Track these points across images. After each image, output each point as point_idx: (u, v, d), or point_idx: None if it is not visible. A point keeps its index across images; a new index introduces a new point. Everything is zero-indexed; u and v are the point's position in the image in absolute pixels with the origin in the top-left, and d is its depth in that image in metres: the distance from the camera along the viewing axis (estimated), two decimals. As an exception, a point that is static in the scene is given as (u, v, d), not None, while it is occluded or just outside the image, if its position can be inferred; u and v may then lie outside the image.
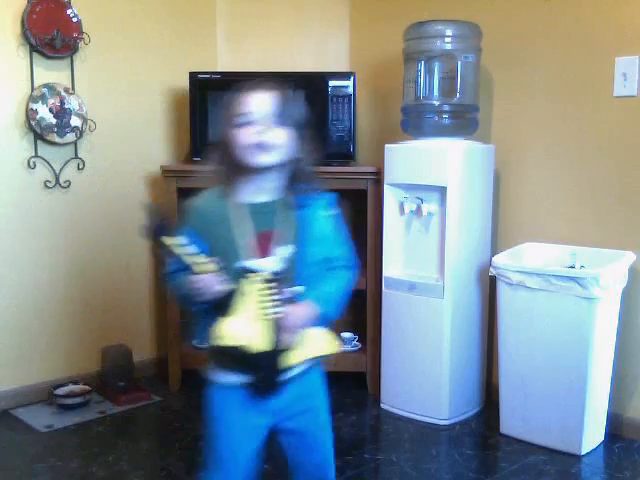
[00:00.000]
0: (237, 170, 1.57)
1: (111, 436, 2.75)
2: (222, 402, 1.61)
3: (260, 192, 1.58)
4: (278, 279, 1.50)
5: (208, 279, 1.47)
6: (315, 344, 1.55)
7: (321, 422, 1.69)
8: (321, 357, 1.59)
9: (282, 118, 1.55)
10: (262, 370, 1.52)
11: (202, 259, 1.46)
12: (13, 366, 3.00)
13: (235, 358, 1.51)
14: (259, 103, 1.56)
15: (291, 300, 1.52)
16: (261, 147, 1.53)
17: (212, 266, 1.47)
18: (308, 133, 1.59)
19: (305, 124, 1.59)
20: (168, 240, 1.44)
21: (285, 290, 1.51)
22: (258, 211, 1.56)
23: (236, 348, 1.48)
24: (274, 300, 1.50)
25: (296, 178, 1.59)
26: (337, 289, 1.61)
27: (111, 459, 2.53)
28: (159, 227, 1.45)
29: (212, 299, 1.50)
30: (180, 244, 1.45)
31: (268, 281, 1.50)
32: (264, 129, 1.53)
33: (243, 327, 1.49)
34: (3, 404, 2.96)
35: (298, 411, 1.63)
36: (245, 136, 1.54)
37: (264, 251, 1.53)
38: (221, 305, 1.49)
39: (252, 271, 1.50)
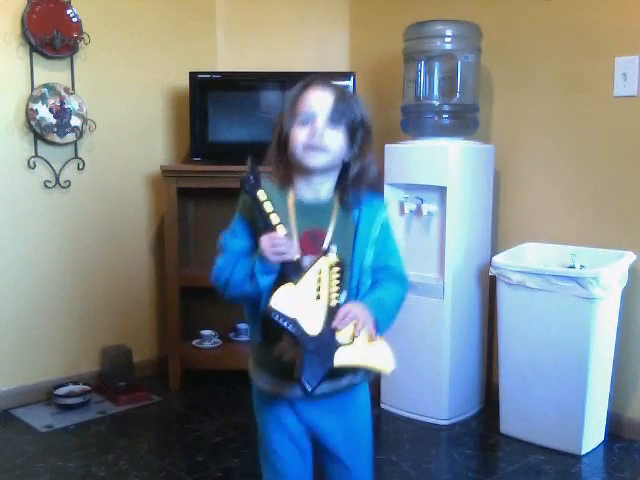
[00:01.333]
0: (292, 167, 1.53)
1: (111, 436, 2.75)
2: (264, 406, 1.59)
3: (314, 190, 1.53)
4: (342, 268, 1.43)
5: (287, 239, 1.42)
6: (369, 353, 1.44)
7: (365, 453, 1.62)
8: (371, 371, 1.49)
9: (340, 118, 1.50)
10: (306, 356, 1.39)
11: (280, 220, 1.43)
12: (13, 366, 3.00)
13: (279, 339, 1.42)
14: (318, 102, 1.50)
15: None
16: (315, 148, 1.48)
17: (285, 230, 1.43)
18: (368, 133, 1.53)
19: (365, 124, 1.53)
20: (262, 196, 1.44)
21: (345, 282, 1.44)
22: (308, 208, 1.52)
23: (285, 321, 1.37)
24: (337, 285, 1.42)
25: (354, 179, 1.52)
26: (393, 301, 1.53)
27: (111, 459, 2.53)
28: (257, 183, 1.45)
29: (281, 263, 1.42)
30: (267, 199, 1.44)
31: (333, 266, 1.43)
32: (320, 129, 1.48)
33: (299, 300, 1.40)
34: (3, 404, 2.96)
35: (342, 434, 1.57)
36: (300, 135, 1.49)
37: (307, 249, 1.47)
38: (284, 277, 1.42)
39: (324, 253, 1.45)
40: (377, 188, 1.59)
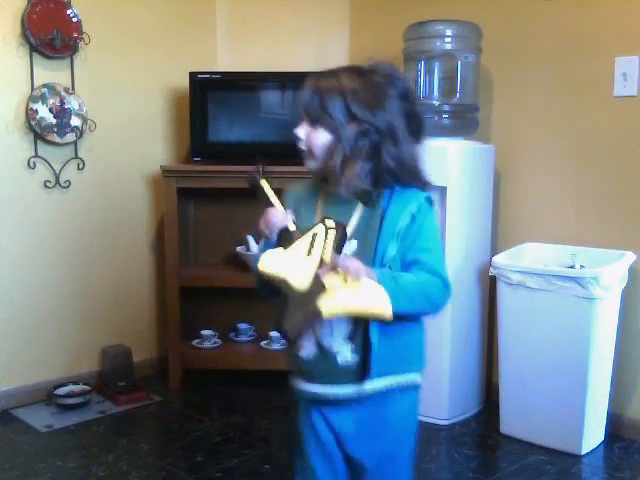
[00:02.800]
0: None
1: (111, 436, 2.75)
2: (302, 416, 1.54)
3: (341, 183, 1.42)
4: (341, 231, 1.39)
5: (279, 213, 1.44)
6: (362, 297, 1.32)
7: (397, 476, 1.51)
8: (369, 315, 1.35)
9: (318, 115, 1.41)
10: (295, 309, 1.38)
11: (281, 203, 1.47)
12: (13, 366, 3.00)
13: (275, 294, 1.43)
14: (300, 100, 1.46)
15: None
16: (303, 151, 1.45)
17: (287, 212, 1.47)
18: (361, 125, 1.39)
19: (355, 116, 1.38)
20: (265, 184, 1.48)
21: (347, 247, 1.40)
22: (336, 201, 1.45)
23: (275, 278, 1.38)
24: (329, 244, 1.38)
25: (383, 172, 1.40)
26: (413, 284, 1.37)
27: (111, 459, 2.53)
28: (261, 172, 1.50)
29: (277, 234, 1.44)
30: (270, 186, 1.49)
31: (330, 228, 1.40)
32: (296, 132, 1.44)
33: (289, 259, 1.39)
34: (3, 404, 2.96)
35: (369, 448, 1.48)
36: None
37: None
38: (282, 244, 1.44)
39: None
40: (419, 179, 1.47)
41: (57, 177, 3.05)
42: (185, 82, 3.20)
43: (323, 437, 1.50)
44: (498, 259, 2.66)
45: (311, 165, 1.46)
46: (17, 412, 2.94)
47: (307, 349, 1.43)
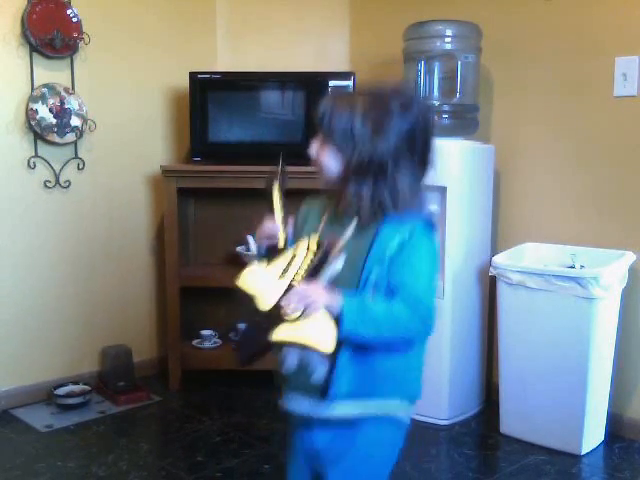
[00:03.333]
0: None
1: (111, 436, 2.75)
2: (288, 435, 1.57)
3: (340, 203, 1.44)
4: (324, 251, 1.38)
5: (273, 226, 1.45)
6: (307, 331, 1.33)
7: None
8: (306, 347, 1.35)
9: (328, 132, 1.39)
10: (254, 331, 1.40)
11: (284, 213, 1.48)
12: (13, 366, 3.00)
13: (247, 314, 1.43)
14: (319, 109, 1.42)
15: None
16: (314, 165, 1.44)
17: (285, 223, 1.48)
18: (360, 149, 1.37)
19: (355, 137, 1.37)
20: (275, 191, 1.49)
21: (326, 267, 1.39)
22: (335, 219, 1.46)
23: (244, 295, 1.39)
24: (305, 268, 1.38)
25: (378, 199, 1.38)
26: (382, 313, 1.34)
27: (111, 459, 2.53)
28: (277, 180, 1.50)
29: (267, 247, 1.46)
30: (280, 195, 1.49)
31: (315, 246, 1.40)
32: (311, 149, 1.43)
33: (264, 280, 1.40)
34: (3, 404, 2.96)
35: (335, 471, 1.47)
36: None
37: None
38: (268, 259, 1.45)
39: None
40: (415, 211, 1.41)
41: (57, 177, 3.05)
42: (185, 82, 3.19)
43: (300, 454, 1.53)
44: (498, 259, 2.66)
45: (320, 182, 1.46)
46: (17, 412, 2.94)
47: (288, 363, 1.41)
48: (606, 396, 2.62)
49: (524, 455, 2.56)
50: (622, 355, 2.64)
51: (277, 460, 2.52)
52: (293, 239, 1.49)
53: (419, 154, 1.40)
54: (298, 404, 1.48)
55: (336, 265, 1.38)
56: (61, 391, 3.00)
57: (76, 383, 3.08)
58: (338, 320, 1.32)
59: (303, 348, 1.35)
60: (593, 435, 2.59)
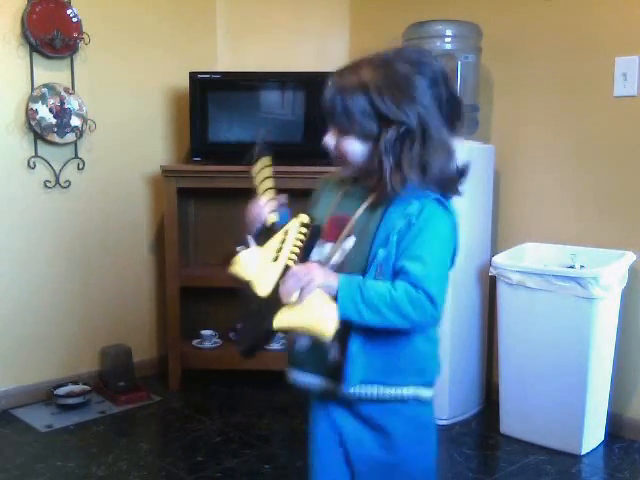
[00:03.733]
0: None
1: (111, 436, 2.75)
2: (310, 411, 1.48)
3: (386, 189, 1.32)
4: (315, 229, 1.33)
5: (261, 206, 1.37)
6: (310, 316, 1.26)
7: None
8: (310, 334, 1.28)
9: (344, 121, 1.29)
10: (253, 320, 1.31)
11: (271, 187, 1.41)
12: (13, 366, 3.00)
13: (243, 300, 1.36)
14: (323, 103, 1.32)
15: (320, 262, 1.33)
16: (335, 156, 1.34)
17: (274, 197, 1.40)
18: (392, 126, 1.26)
19: (383, 114, 1.26)
20: (261, 163, 1.43)
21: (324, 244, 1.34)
22: (352, 194, 1.38)
23: (241, 281, 1.33)
24: (300, 247, 1.32)
25: (401, 166, 1.28)
26: (381, 294, 1.25)
27: (111, 459, 2.53)
28: (262, 149, 1.45)
29: (256, 229, 1.38)
30: (265, 166, 1.43)
31: (306, 225, 1.33)
32: (326, 140, 1.33)
33: (258, 264, 1.33)
34: (3, 404, 2.96)
35: (365, 460, 1.40)
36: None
37: (331, 235, 1.36)
38: (260, 240, 1.38)
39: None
40: (445, 185, 1.33)
41: (57, 177, 3.05)
42: (185, 82, 3.19)
43: (324, 434, 1.44)
44: (498, 259, 2.66)
45: (346, 172, 1.37)
46: (17, 412, 2.94)
47: (301, 341, 1.35)
48: (606, 396, 2.62)
49: (524, 455, 2.56)
50: (622, 355, 2.64)
51: (277, 460, 2.52)
52: (287, 215, 1.41)
53: (449, 108, 1.30)
54: (310, 378, 1.41)
55: (346, 246, 1.34)
56: (61, 391, 3.00)
57: (76, 383, 3.08)
58: (336, 300, 1.25)
59: (305, 334, 1.30)
60: (593, 435, 2.59)
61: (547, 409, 2.57)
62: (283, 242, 1.33)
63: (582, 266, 2.57)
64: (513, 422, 2.68)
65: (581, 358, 2.47)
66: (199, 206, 3.45)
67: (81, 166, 3.11)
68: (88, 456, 2.56)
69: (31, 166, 2.97)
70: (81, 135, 3.07)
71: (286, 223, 1.36)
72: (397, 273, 1.27)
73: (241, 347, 1.31)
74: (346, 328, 1.29)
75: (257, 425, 2.82)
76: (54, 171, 3.04)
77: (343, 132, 1.30)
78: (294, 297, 1.25)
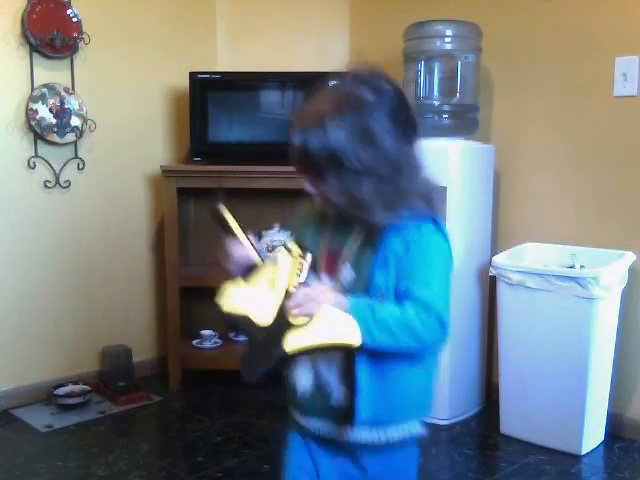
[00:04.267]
0: None
1: (111, 436, 2.75)
2: (289, 442, 1.47)
3: (370, 220, 1.32)
4: (312, 260, 1.31)
5: (245, 248, 1.36)
6: (326, 331, 1.23)
7: None
8: (337, 347, 1.25)
9: (321, 173, 1.25)
10: (261, 350, 1.28)
11: (244, 229, 1.40)
12: (13, 366, 3.00)
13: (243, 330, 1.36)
14: (294, 156, 1.27)
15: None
16: (319, 199, 1.32)
17: (250, 240, 1.39)
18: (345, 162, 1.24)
19: (335, 155, 1.23)
20: (223, 209, 1.41)
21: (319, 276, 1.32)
22: (339, 226, 1.36)
23: (236, 318, 1.32)
24: (297, 274, 1.29)
25: (385, 199, 1.28)
26: (392, 314, 1.24)
27: (111, 459, 2.53)
28: (223, 197, 1.43)
29: (243, 271, 1.35)
30: (231, 212, 1.41)
31: (295, 257, 1.31)
32: (309, 187, 1.30)
33: (252, 296, 1.32)
34: (3, 404, 2.96)
35: None
36: None
37: (327, 268, 1.34)
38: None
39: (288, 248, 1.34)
40: (424, 210, 1.34)
41: (57, 177, 3.05)
42: (185, 82, 3.19)
43: (300, 461, 1.42)
44: (498, 259, 2.66)
45: (332, 210, 1.35)
46: (17, 412, 2.94)
47: (303, 384, 1.35)
48: (606, 396, 2.62)
49: (524, 455, 2.56)
50: (622, 355, 2.64)
51: (277, 460, 2.52)
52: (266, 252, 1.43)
53: (406, 128, 1.30)
54: (317, 427, 1.38)
55: (346, 277, 1.32)
56: (61, 391, 3.00)
57: (76, 383, 3.08)
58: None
59: (327, 349, 1.25)
60: (593, 435, 2.59)
61: (547, 409, 2.57)
62: (275, 273, 1.31)
63: (582, 266, 2.57)
64: (513, 422, 2.68)
65: (581, 358, 2.46)
66: (199, 206, 3.45)
67: (81, 166, 3.11)
68: (88, 456, 2.56)
69: (31, 166, 2.97)
70: (81, 135, 3.07)
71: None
72: (402, 298, 1.27)
73: (255, 374, 1.28)
74: (349, 364, 1.28)
75: (257, 425, 2.82)
76: (54, 171, 3.04)
77: (318, 175, 1.27)
78: (305, 315, 1.23)
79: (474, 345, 2.91)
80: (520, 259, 2.72)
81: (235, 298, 1.33)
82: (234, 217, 1.41)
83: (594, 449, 2.59)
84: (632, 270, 2.58)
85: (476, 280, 2.85)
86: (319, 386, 1.33)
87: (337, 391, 1.32)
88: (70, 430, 2.79)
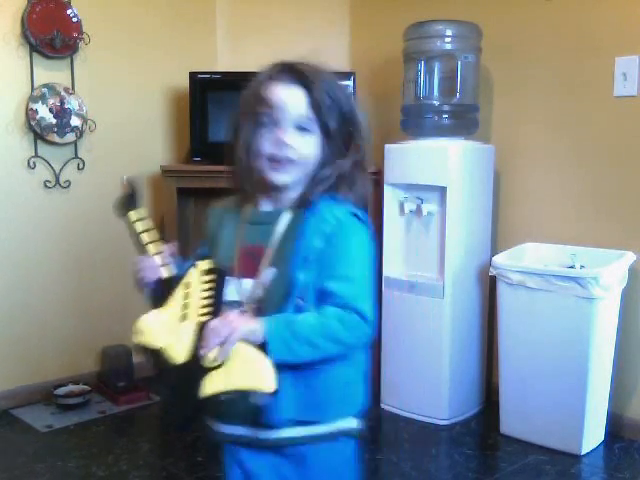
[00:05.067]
0: (251, 176, 1.29)
1: (111, 436, 2.75)
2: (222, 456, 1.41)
3: (276, 200, 1.30)
4: (221, 274, 1.21)
5: (150, 260, 1.26)
6: (240, 373, 1.16)
7: None
8: (248, 392, 1.17)
9: (312, 120, 1.24)
10: (179, 391, 1.20)
11: (155, 238, 1.29)
12: (13, 366, 3.00)
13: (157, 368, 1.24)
14: (283, 101, 1.24)
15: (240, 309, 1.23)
16: (282, 160, 1.24)
17: (162, 248, 1.28)
18: (353, 129, 1.28)
19: (348, 119, 1.27)
20: (134, 215, 1.31)
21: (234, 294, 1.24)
22: (257, 221, 1.30)
23: (149, 352, 1.21)
24: (209, 297, 1.19)
25: (315, 185, 1.26)
26: (312, 325, 1.19)
27: (111, 459, 2.53)
28: (129, 200, 1.33)
29: (152, 286, 1.26)
30: (141, 218, 1.31)
31: (209, 272, 1.21)
32: (286, 138, 1.23)
33: (165, 328, 1.21)
34: (3, 404, 2.96)
35: None
36: (263, 144, 1.25)
37: (246, 269, 1.26)
38: (159, 299, 1.25)
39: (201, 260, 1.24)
40: (358, 199, 1.30)
41: (57, 177, 3.05)
42: (185, 82, 3.19)
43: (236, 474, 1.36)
44: (498, 259, 2.66)
45: (285, 178, 1.26)
46: (17, 412, 2.94)
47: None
48: (606, 396, 2.62)
49: (524, 455, 2.56)
50: (622, 355, 2.64)
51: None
52: (184, 264, 1.30)
53: (350, 126, 1.30)
54: (233, 429, 1.34)
55: (266, 278, 1.24)
56: (61, 391, 3.00)
57: (76, 383, 3.08)
58: (266, 346, 1.16)
59: (242, 394, 1.17)
60: (593, 435, 2.59)
61: (547, 409, 2.57)
62: (187, 297, 1.21)
63: (582, 266, 2.57)
64: (513, 422, 2.68)
65: (581, 358, 2.46)
66: (199, 206, 3.45)
67: (81, 166, 3.11)
68: (88, 456, 2.56)
69: (31, 166, 2.97)
70: (81, 135, 3.07)
71: (184, 273, 1.24)
72: (322, 295, 1.22)
73: (177, 424, 1.24)
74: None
75: (257, 425, 2.81)
76: (54, 171, 3.04)
77: (303, 131, 1.25)
78: (218, 356, 1.15)
79: (474, 345, 2.91)
80: (520, 259, 2.72)
81: (147, 329, 1.22)
82: (143, 223, 1.31)
83: (594, 449, 2.59)
84: (632, 270, 2.58)
85: (476, 280, 2.85)
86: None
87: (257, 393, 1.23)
88: (70, 430, 2.79)
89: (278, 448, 1.30)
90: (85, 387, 3.06)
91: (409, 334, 2.84)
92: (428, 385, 2.83)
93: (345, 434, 1.31)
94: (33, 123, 2.92)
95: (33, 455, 2.56)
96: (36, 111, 2.92)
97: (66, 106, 3.00)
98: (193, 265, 1.23)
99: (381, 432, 2.80)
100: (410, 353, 2.84)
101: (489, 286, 2.88)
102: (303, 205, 1.26)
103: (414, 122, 2.92)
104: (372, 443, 2.74)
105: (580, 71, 2.73)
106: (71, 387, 3.05)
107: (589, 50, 2.70)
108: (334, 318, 1.20)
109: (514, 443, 2.65)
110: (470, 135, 2.91)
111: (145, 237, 1.30)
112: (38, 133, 2.95)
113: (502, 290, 2.64)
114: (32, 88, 2.93)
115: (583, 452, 2.54)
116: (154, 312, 1.23)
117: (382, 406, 2.96)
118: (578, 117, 2.76)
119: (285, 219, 1.27)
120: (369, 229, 1.29)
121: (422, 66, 2.83)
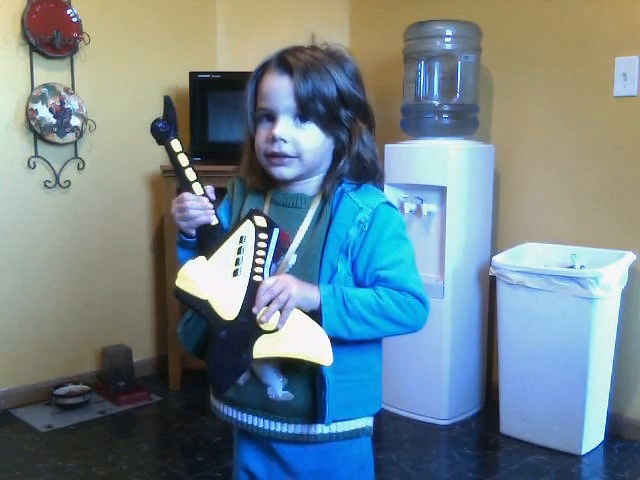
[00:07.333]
0: (260, 173, 1.26)
1: (111, 436, 2.75)
2: (235, 447, 1.37)
3: (292, 185, 1.25)
4: (271, 233, 1.15)
5: (202, 200, 1.18)
6: (299, 341, 1.11)
7: None
8: (306, 362, 1.14)
9: (308, 108, 1.17)
10: (225, 351, 1.12)
11: (198, 177, 1.20)
12: (13, 366, 3.00)
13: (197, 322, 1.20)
14: (274, 93, 1.19)
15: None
16: (280, 157, 1.19)
17: (206, 192, 1.20)
18: (358, 109, 1.22)
19: (349, 98, 1.21)
20: (176, 145, 1.20)
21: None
22: (285, 205, 1.25)
23: (193, 304, 1.13)
24: (262, 256, 1.13)
25: (335, 174, 1.22)
26: (370, 305, 1.17)
27: (111, 459, 2.53)
28: (167, 124, 1.21)
29: (196, 229, 1.19)
30: (183, 150, 1.21)
31: (264, 230, 1.14)
32: (280, 134, 1.18)
33: (213, 277, 1.13)
34: (3, 404, 2.96)
35: None
36: (261, 138, 1.21)
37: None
38: (203, 245, 1.18)
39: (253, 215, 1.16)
40: (377, 178, 1.27)
41: (57, 177, 3.05)
42: (185, 82, 3.20)
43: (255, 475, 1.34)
44: (498, 259, 2.66)
45: (288, 172, 1.21)
46: (17, 412, 2.94)
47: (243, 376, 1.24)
48: (606, 396, 2.62)
49: (524, 455, 2.56)
50: (622, 355, 2.64)
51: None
52: (229, 215, 1.25)
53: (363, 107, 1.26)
54: (254, 420, 1.33)
55: (287, 259, 1.19)
56: (61, 391, 3.00)
57: (76, 383, 3.08)
58: (320, 314, 1.13)
59: (297, 362, 1.13)
60: (593, 435, 2.59)
61: (547, 409, 2.57)
62: (239, 251, 1.13)
63: (582, 266, 2.58)
64: (513, 422, 2.68)
65: (581, 358, 2.46)
66: (199, 206, 3.44)
67: (81, 166, 3.11)
68: (88, 456, 2.56)
69: (31, 166, 2.97)
70: (81, 135, 3.07)
71: (228, 224, 1.18)
72: (374, 284, 1.20)
73: (219, 385, 1.18)
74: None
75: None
76: (54, 171, 3.04)
77: (303, 120, 1.19)
78: (273, 321, 1.11)
79: (474, 345, 2.91)
80: (520, 259, 2.72)
81: (193, 277, 1.13)
82: (188, 164, 1.20)
83: (594, 449, 2.59)
84: (632, 270, 2.58)
85: (476, 280, 2.85)
86: (255, 378, 1.24)
87: (276, 385, 1.23)
88: (70, 430, 2.79)
89: (318, 444, 1.26)
90: (85, 387, 3.06)
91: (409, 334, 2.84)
92: (428, 385, 2.83)
93: (366, 432, 1.31)
94: (33, 123, 2.92)
95: (33, 455, 2.56)
96: (36, 111, 2.92)
97: (66, 106, 3.00)
98: (249, 218, 1.15)
99: (381, 432, 2.80)
100: (410, 353, 2.84)
101: (489, 286, 2.88)
102: (331, 193, 1.22)
103: (414, 122, 2.92)
104: (372, 443, 2.74)
105: (580, 71, 2.73)
106: (71, 387, 3.05)
107: (589, 50, 2.70)
108: (389, 298, 1.19)
109: (514, 443, 2.65)
110: (470, 135, 2.91)
111: (190, 174, 1.19)
112: (38, 133, 2.95)
113: (502, 290, 2.64)
114: (32, 88, 2.93)
115: (583, 452, 2.54)
116: (200, 259, 1.14)
117: (382, 406, 2.96)
118: (578, 117, 2.76)
119: (315, 206, 1.23)
120: (401, 214, 1.29)
121: (422, 66, 2.83)
